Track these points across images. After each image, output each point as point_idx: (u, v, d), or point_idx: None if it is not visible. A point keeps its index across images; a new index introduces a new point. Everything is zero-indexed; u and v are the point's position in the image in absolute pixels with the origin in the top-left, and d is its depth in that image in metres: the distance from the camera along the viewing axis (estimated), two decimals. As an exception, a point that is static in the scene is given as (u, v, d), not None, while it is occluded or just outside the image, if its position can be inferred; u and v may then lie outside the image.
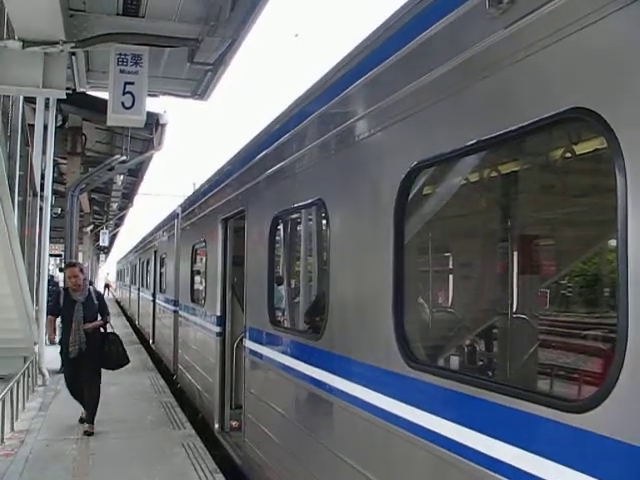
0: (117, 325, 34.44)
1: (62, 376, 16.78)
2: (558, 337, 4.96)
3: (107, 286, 75.95)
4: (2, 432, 10.55)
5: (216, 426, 10.98)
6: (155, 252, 24.44)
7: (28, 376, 14.22)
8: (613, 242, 3.04)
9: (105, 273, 78.97)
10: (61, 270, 31.89)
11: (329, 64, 6.17)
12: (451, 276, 5.93)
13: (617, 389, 2.78)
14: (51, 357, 17.52)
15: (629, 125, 2.83)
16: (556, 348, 4.91)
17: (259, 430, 8.10)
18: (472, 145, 3.90)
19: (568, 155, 4.07)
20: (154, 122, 17.50)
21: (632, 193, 2.77)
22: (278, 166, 7.56)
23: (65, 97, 10.97)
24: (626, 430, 2.73)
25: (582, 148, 3.87)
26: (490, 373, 4.92)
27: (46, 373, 16.28)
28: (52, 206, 18.73)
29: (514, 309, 4.92)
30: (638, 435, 2.67)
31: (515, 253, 4.87)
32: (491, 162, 4.60)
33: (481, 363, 5.16)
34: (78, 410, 12.52)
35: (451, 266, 6.04)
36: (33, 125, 17.72)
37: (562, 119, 3.24)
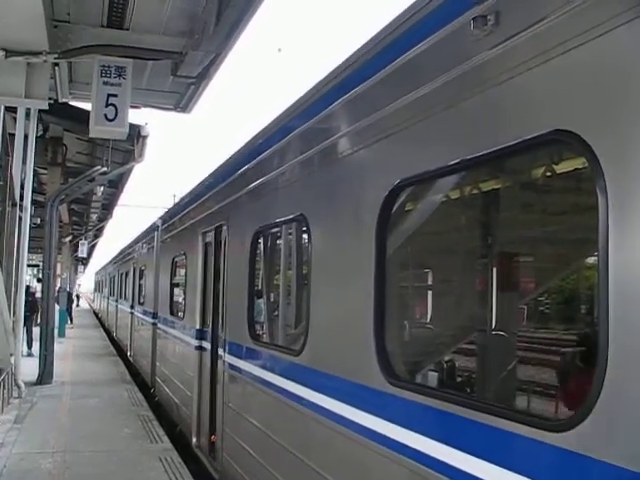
0: (94, 337, 34.40)
1: (39, 388, 16.75)
2: (538, 354, 5.00)
3: (77, 297, 75.04)
4: (-24, 445, 10.42)
5: (194, 440, 10.91)
6: (134, 264, 24.34)
7: (3, 388, 14.05)
8: (594, 260, 3.08)
9: (77, 284, 78.18)
10: (39, 280, 31.66)
11: (312, 79, 6.22)
12: (432, 293, 5.96)
13: (597, 408, 2.80)
14: (27, 369, 17.39)
15: (610, 147, 2.87)
16: (536, 365, 4.94)
17: (237, 444, 8.06)
18: (455, 164, 3.94)
19: (550, 175, 4.12)
20: (135, 134, 17.44)
21: (613, 213, 2.80)
22: (260, 181, 7.57)
23: (47, 107, 10.93)
24: (606, 449, 2.75)
25: (563, 169, 3.91)
26: (470, 390, 4.94)
27: (22, 385, 16.09)
28: (31, 216, 18.57)
29: (494, 326, 4.95)
30: (618, 454, 2.69)
31: (496, 271, 4.90)
32: (473, 181, 4.64)
33: (461, 380, 5.18)
34: (54, 423, 12.42)
35: (432, 283, 6.07)
36: (13, 134, 17.59)
37: (544, 141, 3.28)
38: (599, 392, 2.79)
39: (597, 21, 2.93)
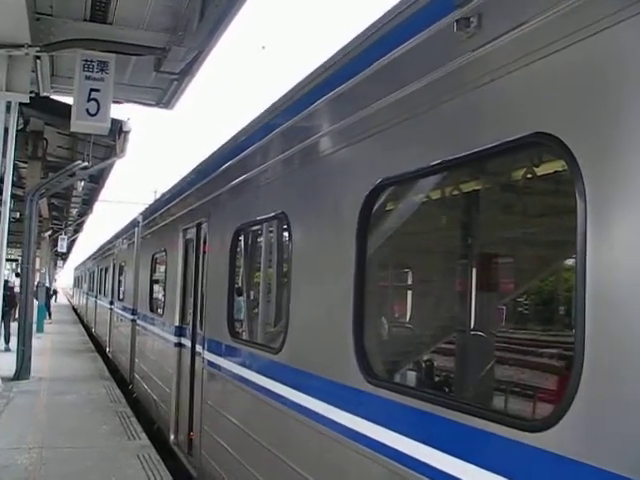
0: (72, 332, 34.16)
1: (16, 384, 16.62)
2: (516, 355, 5.04)
3: (54, 292, 74.23)
4: (-48, 440, 10.32)
5: (172, 437, 10.88)
6: (114, 260, 24.23)
7: (-20, 383, 13.95)
8: (572, 262, 3.10)
9: (54, 279, 77.35)
10: (17, 275, 31.39)
11: (295, 76, 6.21)
12: (412, 293, 5.99)
13: (573, 408, 2.83)
14: (5, 364, 17.27)
15: (589, 150, 2.90)
16: (514, 366, 4.98)
17: (215, 442, 8.05)
18: (437, 164, 3.96)
19: (530, 178, 4.15)
20: (117, 129, 17.35)
21: (591, 215, 2.83)
22: (241, 178, 7.56)
23: (28, 101, 10.86)
24: (582, 449, 2.78)
25: (544, 172, 3.95)
26: (449, 390, 4.96)
27: (-1, 380, 16.00)
28: (11, 210, 18.41)
29: (473, 326, 4.98)
30: (594, 454, 2.72)
31: (475, 271, 4.93)
32: (454, 182, 4.67)
33: (440, 380, 5.20)
34: (31, 419, 12.35)
35: (412, 283, 6.09)
36: (-7, 127, 17.46)
37: (525, 143, 3.31)
38: (575, 393, 2.82)
39: (576, 27, 2.96)
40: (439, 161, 3.93)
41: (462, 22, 3.70)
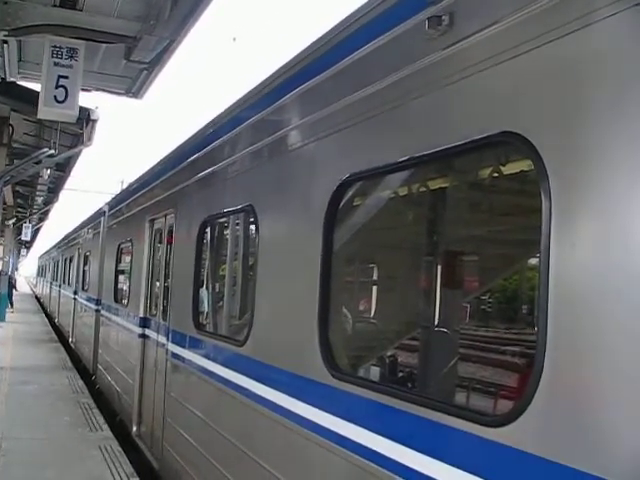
0: (35, 322, 33.76)
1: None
2: (479, 352, 5.09)
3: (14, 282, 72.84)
4: None
5: (134, 429, 10.82)
6: (79, 249, 24.01)
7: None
8: (536, 261, 3.14)
9: (16, 268, 76.01)
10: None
11: (266, 69, 6.20)
12: (377, 288, 6.01)
13: (533, 405, 2.87)
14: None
15: (555, 150, 2.94)
16: (477, 362, 5.03)
17: (178, 434, 8.02)
18: (404, 161, 3.98)
19: (496, 175, 4.19)
20: (85, 117, 17.15)
21: (556, 214, 2.87)
22: (209, 170, 7.54)
23: (-6, 86, 10.70)
24: (541, 445, 2.82)
25: (510, 170, 3.98)
26: (412, 385, 5.00)
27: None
28: (-26, 197, 18.17)
29: (437, 323, 5.01)
30: (551, 450, 2.76)
31: (440, 268, 4.96)
32: (421, 178, 4.69)
33: (403, 375, 5.24)
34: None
35: (378, 279, 6.12)
36: (-43, 113, 17.18)
37: (492, 141, 3.34)
38: (535, 389, 2.86)
39: (546, 28, 2.99)
40: (407, 157, 3.95)
41: (434, 20, 3.72)
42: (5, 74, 11.94)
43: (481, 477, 3.12)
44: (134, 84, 12.61)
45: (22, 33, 9.93)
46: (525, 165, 3.65)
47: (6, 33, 9.64)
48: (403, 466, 3.68)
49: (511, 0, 3.27)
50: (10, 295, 38.34)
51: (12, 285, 45.27)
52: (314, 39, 5.32)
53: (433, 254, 4.97)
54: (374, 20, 4.42)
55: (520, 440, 2.92)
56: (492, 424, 3.12)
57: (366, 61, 4.45)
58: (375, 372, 5.21)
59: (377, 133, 4.31)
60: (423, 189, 4.84)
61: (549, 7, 3.00)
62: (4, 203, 23.16)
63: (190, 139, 9.04)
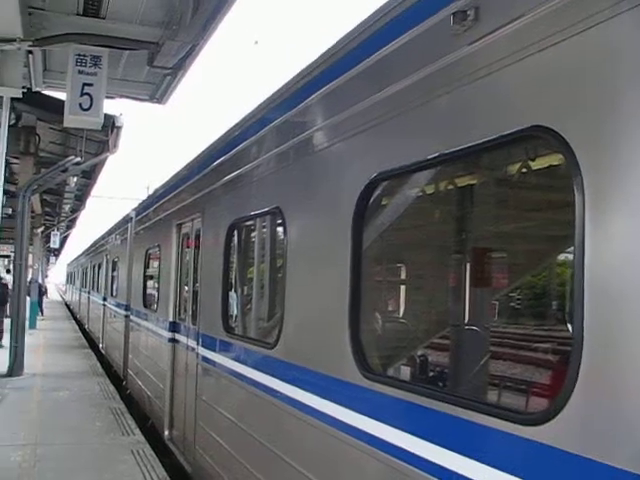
0: (65, 329, 34.08)
1: (9, 380, 16.58)
2: (513, 349, 5.04)
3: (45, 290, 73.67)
4: (-55, 437, 10.26)
5: (166, 433, 10.87)
6: (107, 255, 24.18)
7: (-27, 380, 13.91)
8: (570, 256, 3.09)
9: (45, 276, 76.86)
10: (8, 272, 31.26)
11: (288, 72, 6.19)
12: (408, 287, 5.98)
13: (571, 402, 2.82)
14: (-3, 360, 17.23)
15: (587, 144, 2.89)
16: (511, 360, 4.98)
17: (210, 437, 8.04)
18: (433, 159, 3.95)
19: (527, 171, 4.14)
20: (110, 124, 17.30)
21: (589, 209, 2.82)
22: (236, 173, 7.54)
23: (21, 96, 10.81)
24: (580, 443, 2.78)
25: (541, 165, 3.94)
26: (444, 384, 4.96)
27: (-8, 376, 15.95)
28: (3, 206, 18.34)
29: (469, 320, 4.98)
30: (591, 448, 2.72)
31: (471, 266, 4.92)
32: (450, 176, 4.66)
33: (435, 374, 5.20)
34: (25, 415, 12.31)
35: (408, 277, 6.09)
36: (-16, 123, 17.37)
37: (522, 136, 3.30)
38: (573, 386, 2.82)
39: (577, 17, 2.95)
40: (435, 155, 3.92)
41: (459, 15, 3.69)
42: (31, 84, 12.07)
43: (518, 477, 3.08)
44: (157, 90, 12.69)
45: (47, 43, 10.04)
46: (555, 159, 3.60)
47: (31, 43, 9.73)
48: (437, 466, 3.65)
49: None
50: (40, 302, 38.74)
51: (42, 292, 45.76)
52: (337, 39, 5.30)
53: (464, 252, 4.93)
54: (398, 17, 4.39)
55: (559, 438, 2.87)
56: (529, 422, 3.07)
57: (391, 59, 4.43)
58: (407, 372, 5.18)
59: (404, 131, 4.28)
60: (452, 186, 4.81)
61: None
62: (32, 212, 23.40)
63: (215, 143, 9.05)
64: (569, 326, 3.63)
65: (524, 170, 4.25)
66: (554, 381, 4.09)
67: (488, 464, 3.28)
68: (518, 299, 5.78)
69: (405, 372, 5.23)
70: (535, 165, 4.08)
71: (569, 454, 2.81)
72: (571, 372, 2.85)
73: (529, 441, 3.02)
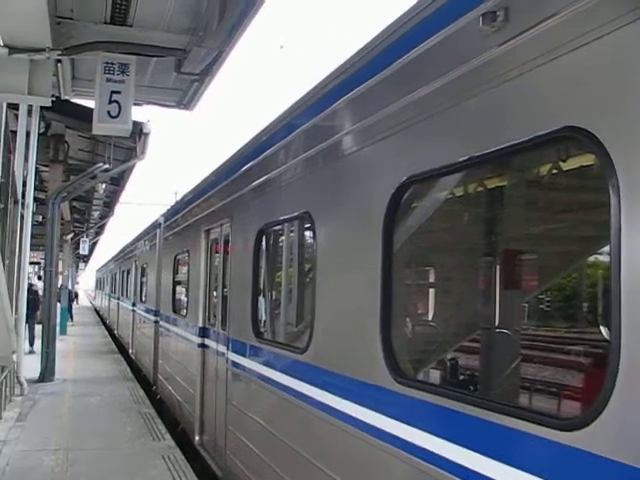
0: (95, 334, 34.40)
1: (41, 386, 16.75)
2: (545, 352, 4.98)
3: (76, 295, 74.86)
4: (-21, 442, 10.39)
5: (196, 438, 10.90)
6: (136, 261, 24.35)
7: (6, 386, 14.05)
8: (603, 258, 3.05)
9: (76, 282, 77.93)
10: (39, 278, 31.57)
11: (314, 76, 6.19)
12: (439, 291, 5.94)
13: (610, 406, 2.78)
14: (29, 366, 17.39)
15: (622, 144, 2.85)
16: (544, 364, 4.92)
17: (241, 442, 8.05)
18: (464, 161, 3.92)
19: (560, 172, 4.09)
20: (137, 131, 17.42)
21: (625, 209, 2.79)
22: (264, 178, 7.55)
23: (50, 105, 10.91)
24: (619, 448, 2.73)
25: (574, 166, 3.89)
26: (477, 388, 4.91)
27: (24, 382, 16.09)
28: (33, 214, 18.56)
29: (501, 324, 4.93)
30: (631, 454, 2.67)
31: (504, 268, 4.87)
32: (481, 178, 4.62)
33: (468, 378, 5.16)
34: (57, 421, 12.41)
35: (439, 281, 6.05)
36: (15, 131, 17.57)
37: (556, 137, 3.26)
38: (611, 390, 2.77)
39: (609, 17, 2.91)
40: (466, 157, 3.89)
41: (488, 16, 3.66)
42: (60, 92, 12.18)
43: None
44: (185, 96, 12.74)
45: (75, 52, 10.12)
46: (588, 160, 3.56)
47: (60, 53, 9.82)
48: (471, 471, 3.61)
49: None
50: (70, 308, 39.11)
51: (72, 298, 46.22)
52: (365, 42, 5.29)
53: (495, 254, 4.88)
54: (427, 19, 4.37)
55: (598, 444, 2.82)
56: (566, 427, 3.03)
57: (420, 61, 4.40)
58: (438, 376, 5.14)
59: (435, 134, 4.25)
60: (483, 189, 4.77)
61: None
62: (62, 219, 23.65)
63: (243, 148, 9.08)
64: (602, 328, 3.58)
65: (556, 171, 4.20)
66: (590, 385, 4.03)
67: (523, 470, 3.25)
68: (550, 301, 5.72)
69: (436, 376, 5.19)
70: (568, 166, 4.04)
71: (608, 460, 2.76)
72: (609, 376, 2.80)
73: (566, 446, 2.98)
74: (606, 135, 2.92)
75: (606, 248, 2.94)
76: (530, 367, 5.18)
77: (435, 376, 5.17)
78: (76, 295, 74.10)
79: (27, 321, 19.69)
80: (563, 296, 5.69)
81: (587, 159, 3.58)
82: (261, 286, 8.12)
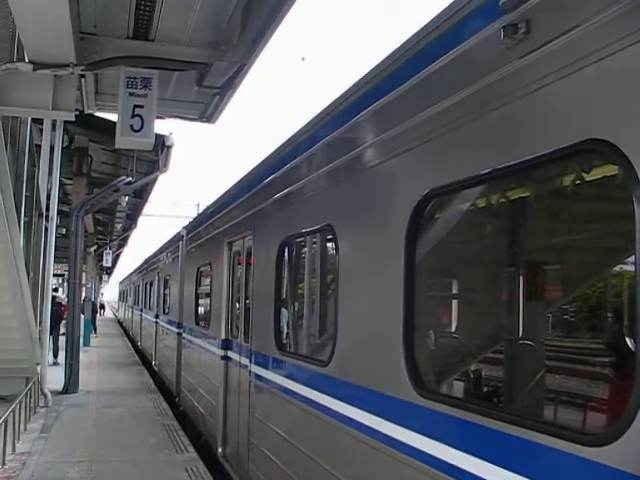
0: (118, 346, 34.59)
1: (65, 397, 16.85)
2: (572, 365, 4.93)
3: (102, 306, 76.02)
4: (4, 454, 10.46)
5: (219, 450, 10.91)
6: (159, 273, 24.46)
7: (30, 397, 14.16)
8: (628, 268, 3.03)
9: (100, 294, 78.88)
10: (55, 290, 31.79)
11: (336, 88, 6.20)
12: (462, 303, 5.90)
13: (637, 421, 2.74)
14: (53, 378, 17.50)
15: None
16: (571, 377, 4.87)
17: (264, 455, 8.04)
18: (486, 174, 3.91)
19: (582, 184, 4.06)
20: (160, 144, 17.56)
21: None
22: (286, 191, 7.57)
23: (74, 119, 11.04)
24: None
25: (596, 177, 3.86)
26: (501, 402, 4.87)
27: (48, 394, 16.21)
28: (57, 226, 18.74)
29: (527, 336, 4.89)
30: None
31: (528, 281, 4.83)
32: (503, 190, 4.59)
33: (493, 392, 5.11)
34: (80, 432, 12.48)
35: (462, 293, 6.01)
36: (39, 145, 17.80)
37: (578, 150, 3.24)
38: (638, 405, 2.74)
39: (632, 29, 2.89)
40: (488, 170, 3.88)
41: (509, 29, 3.65)
42: (83, 106, 12.31)
43: None
44: (207, 109, 12.81)
45: (99, 67, 10.23)
46: (611, 171, 3.53)
47: (84, 68, 9.93)
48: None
49: (591, 3, 3.18)
50: (94, 320, 39.37)
51: (96, 311, 46.51)
52: (386, 55, 5.29)
53: (520, 266, 4.84)
54: (448, 32, 4.37)
55: (625, 460, 2.79)
56: (592, 443, 3.00)
57: (442, 73, 4.40)
58: (463, 389, 5.10)
59: (457, 147, 4.25)
60: (504, 201, 4.74)
61: (634, 6, 2.90)
62: (85, 231, 23.86)
63: (265, 161, 9.11)
64: (628, 340, 3.55)
65: (579, 183, 4.17)
66: (616, 399, 3.98)
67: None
68: (574, 312, 5.67)
69: (460, 389, 5.15)
70: (590, 178, 4.01)
71: (635, 477, 2.72)
72: (635, 390, 2.77)
73: (593, 463, 2.94)
74: (629, 146, 2.90)
75: (631, 258, 2.91)
76: (554, 379, 5.12)
77: (458, 389, 5.14)
78: (102, 307, 75.01)
79: (51, 333, 19.89)
80: (588, 307, 5.63)
81: (610, 170, 3.55)
82: (283, 299, 8.13)
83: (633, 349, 2.95)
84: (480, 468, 3.72)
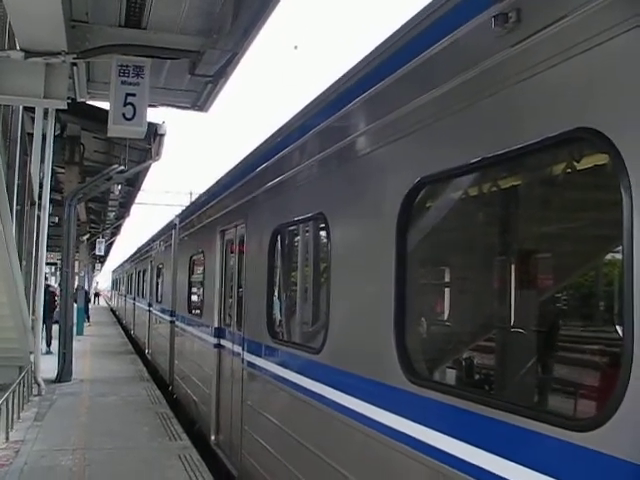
0: (111, 334, 34.60)
1: (58, 386, 16.87)
2: (561, 352, 4.96)
3: (97, 295, 76.31)
4: (-3, 442, 10.49)
5: (212, 438, 10.95)
6: (151, 262, 24.45)
7: (23, 386, 14.16)
8: (617, 256, 3.06)
9: (95, 282, 79.09)
10: (46, 279, 31.77)
11: (328, 76, 6.21)
12: (453, 291, 5.93)
13: (623, 406, 2.78)
14: (47, 366, 17.52)
15: (634, 145, 2.86)
16: (559, 363, 4.91)
17: (256, 442, 8.08)
18: (476, 162, 3.93)
19: (572, 173, 4.09)
20: (152, 132, 17.52)
21: (638, 209, 2.80)
22: (279, 179, 7.58)
23: (66, 107, 11.00)
24: (633, 449, 2.73)
25: (586, 166, 3.88)
26: (491, 389, 4.91)
27: (42, 383, 16.22)
28: (49, 215, 18.69)
29: (519, 324, 4.92)
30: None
31: (519, 269, 4.87)
32: (493, 179, 4.62)
33: (482, 379, 5.15)
34: (74, 420, 12.50)
35: (453, 281, 6.04)
36: (31, 134, 17.73)
37: (568, 139, 3.27)
38: (624, 390, 2.78)
39: (622, 18, 2.91)
40: (479, 158, 3.90)
41: (500, 18, 3.67)
42: (75, 95, 12.27)
43: None
44: (199, 98, 12.80)
45: (91, 55, 10.21)
46: (601, 161, 3.56)
47: (75, 56, 9.90)
48: (485, 471, 3.62)
49: None
50: (87, 309, 39.33)
51: (89, 300, 46.50)
52: (378, 43, 5.30)
53: (511, 254, 4.88)
54: (439, 21, 4.39)
55: (611, 444, 2.83)
56: (579, 428, 3.04)
57: (433, 62, 4.42)
58: (453, 376, 5.14)
59: (447, 135, 4.27)
60: (496, 189, 4.77)
61: None
62: (78, 219, 23.81)
63: (257, 149, 9.11)
64: (617, 327, 3.59)
65: (569, 172, 4.19)
66: (603, 385, 4.03)
67: (536, 470, 3.25)
68: (565, 300, 5.70)
69: (451, 376, 5.19)
70: (580, 167, 4.03)
71: (622, 461, 2.77)
72: (622, 376, 2.81)
73: (580, 447, 2.98)
74: (618, 136, 2.93)
75: (620, 247, 2.95)
76: (544, 366, 5.16)
77: (449, 376, 5.17)
78: (97, 295, 75.23)
79: (44, 322, 19.87)
80: (578, 295, 5.66)
81: (599, 159, 3.57)
82: (276, 286, 8.15)
83: (621, 336, 2.98)
84: (470, 454, 3.76)
